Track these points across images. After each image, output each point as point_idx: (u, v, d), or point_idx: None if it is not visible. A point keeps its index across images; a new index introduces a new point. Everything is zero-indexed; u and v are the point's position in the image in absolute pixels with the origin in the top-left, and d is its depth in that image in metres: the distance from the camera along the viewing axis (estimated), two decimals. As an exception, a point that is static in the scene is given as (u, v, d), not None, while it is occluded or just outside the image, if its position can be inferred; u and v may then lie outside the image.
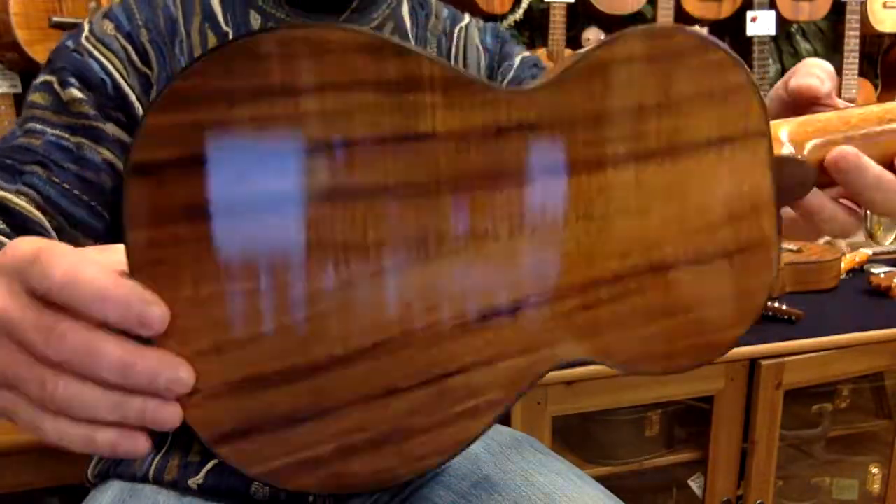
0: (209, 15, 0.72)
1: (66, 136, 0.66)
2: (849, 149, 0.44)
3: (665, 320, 0.44)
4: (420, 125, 0.38)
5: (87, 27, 0.70)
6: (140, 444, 0.36)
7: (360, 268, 0.38)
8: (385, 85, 0.37)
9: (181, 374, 0.35)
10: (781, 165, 0.44)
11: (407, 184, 0.38)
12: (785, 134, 0.45)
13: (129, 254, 0.35)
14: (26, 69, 1.40)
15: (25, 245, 0.36)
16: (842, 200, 0.47)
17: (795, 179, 0.45)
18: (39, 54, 1.33)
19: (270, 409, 0.38)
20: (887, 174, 0.44)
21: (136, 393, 0.35)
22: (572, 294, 0.42)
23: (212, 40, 0.71)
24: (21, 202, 0.63)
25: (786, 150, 0.45)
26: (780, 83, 0.50)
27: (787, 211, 0.48)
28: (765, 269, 0.44)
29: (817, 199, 0.46)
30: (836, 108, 0.48)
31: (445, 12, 0.81)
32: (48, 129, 0.66)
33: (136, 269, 0.35)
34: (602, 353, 0.43)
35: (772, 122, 0.45)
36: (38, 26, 1.33)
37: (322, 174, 0.37)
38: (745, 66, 0.42)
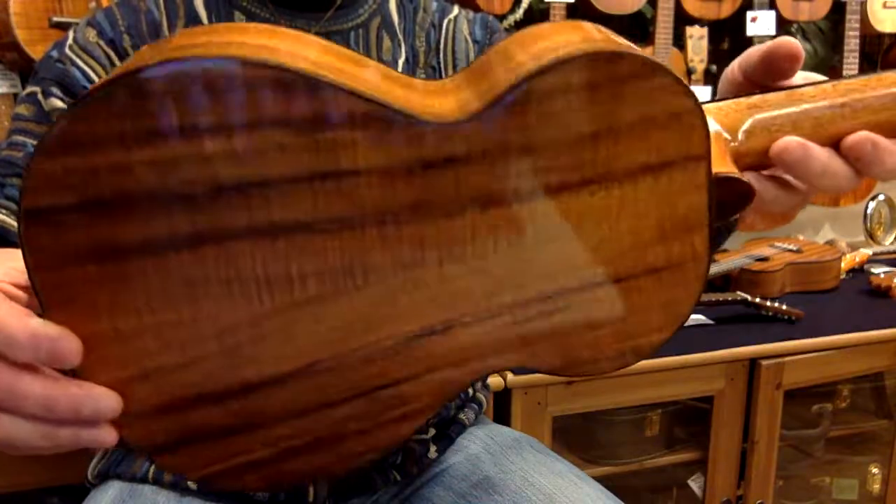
0: (193, 17, 0.71)
1: None
2: (793, 140, 0.42)
3: (592, 332, 0.43)
4: (342, 163, 0.36)
5: (71, 36, 0.70)
6: (104, 437, 0.37)
7: (285, 298, 0.38)
8: (298, 123, 0.34)
9: (102, 404, 0.36)
10: (720, 184, 0.42)
11: (330, 219, 0.37)
12: (714, 124, 0.44)
13: (39, 295, 0.35)
14: (26, 69, 1.40)
15: None
16: (785, 177, 0.45)
17: (734, 196, 0.43)
18: (39, 54, 1.33)
19: (203, 425, 0.39)
20: (834, 162, 0.42)
21: (67, 423, 0.36)
22: (503, 312, 0.41)
23: None
24: (1, 216, 0.64)
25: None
26: (733, 66, 0.47)
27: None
28: (694, 282, 0.43)
29: (759, 184, 0.44)
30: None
31: (434, 4, 0.80)
32: (29, 141, 0.68)
33: (48, 309, 0.35)
34: (529, 361, 0.43)
35: (704, 106, 0.42)
36: (38, 26, 1.33)
37: (237, 213, 0.36)
38: (691, 91, 0.39)
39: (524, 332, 0.42)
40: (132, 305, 0.36)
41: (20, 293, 0.38)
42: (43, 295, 0.35)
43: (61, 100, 0.68)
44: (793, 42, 0.44)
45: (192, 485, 0.71)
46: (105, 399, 0.36)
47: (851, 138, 0.43)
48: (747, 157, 0.44)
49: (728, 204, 0.43)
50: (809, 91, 0.44)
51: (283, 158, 0.35)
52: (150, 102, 0.33)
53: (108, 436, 0.37)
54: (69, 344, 0.35)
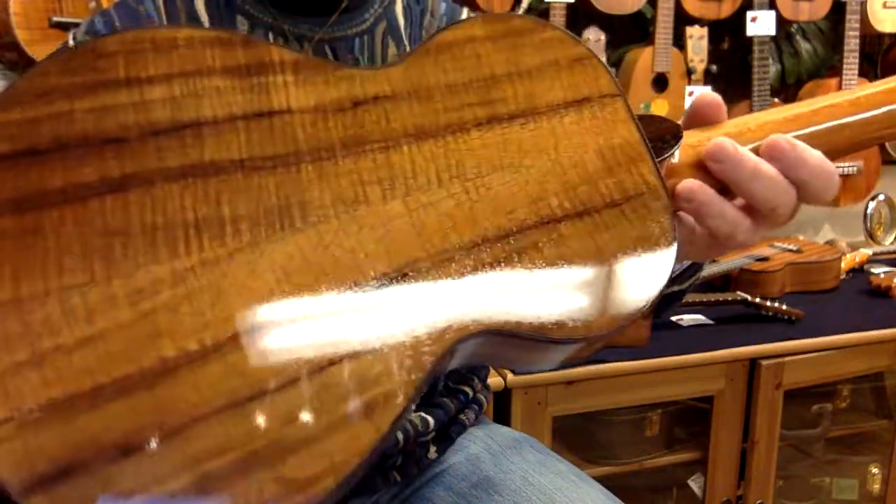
0: (195, 21, 0.71)
1: None
2: (726, 139, 0.44)
3: (570, 276, 0.40)
4: (273, 102, 0.39)
5: (70, 41, 0.70)
6: None
7: (215, 246, 0.35)
8: (233, 70, 0.38)
9: None
10: (645, 121, 0.46)
11: (264, 157, 0.38)
12: None
13: None
14: (26, 69, 1.40)
15: None
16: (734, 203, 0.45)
17: (663, 132, 0.46)
18: (39, 54, 1.33)
19: (102, 434, 0.30)
20: (764, 165, 0.44)
21: None
22: (461, 255, 0.38)
23: None
24: None
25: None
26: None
27: (687, 219, 0.46)
28: (661, 215, 0.43)
29: (703, 192, 0.44)
30: None
31: (443, 7, 0.80)
32: None
33: None
34: (510, 318, 0.38)
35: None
36: (38, 26, 1.33)
37: (169, 154, 0.36)
38: (583, 42, 0.47)
39: (491, 280, 0.38)
40: (41, 264, 0.32)
41: None
42: None
43: None
44: (709, 93, 0.48)
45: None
46: None
47: (769, 139, 0.44)
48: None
49: (663, 142, 0.46)
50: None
51: (218, 100, 0.37)
52: (103, 59, 0.36)
53: None
54: None
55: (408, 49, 0.75)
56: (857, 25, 1.80)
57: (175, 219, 0.35)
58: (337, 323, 0.34)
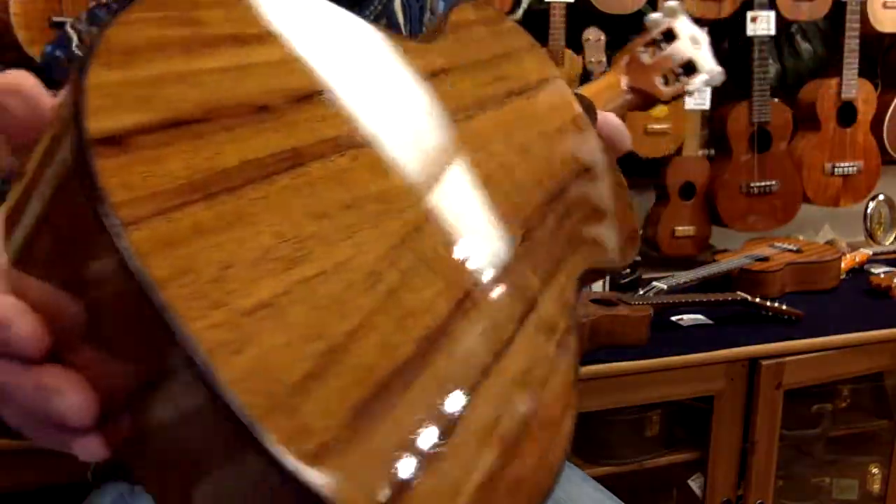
0: None
1: None
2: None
3: (608, 218, 0.51)
4: (397, 67, 0.40)
5: (74, 36, 0.70)
6: (88, 449, 0.26)
7: (405, 219, 0.32)
8: (349, 32, 0.38)
9: (59, 404, 0.25)
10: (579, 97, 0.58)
11: (406, 127, 0.38)
12: None
13: (144, 273, 0.23)
14: (26, 70, 1.40)
15: None
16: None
17: (584, 105, 0.58)
18: (39, 54, 1.33)
19: (405, 435, 0.26)
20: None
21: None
22: (548, 210, 0.45)
23: None
24: None
25: None
26: None
27: None
28: (615, 167, 0.57)
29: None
30: None
31: (441, 5, 0.80)
32: None
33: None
34: (586, 259, 0.46)
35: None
36: (38, 26, 1.33)
37: (318, 124, 0.32)
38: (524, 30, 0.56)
39: (574, 227, 0.46)
40: (260, 262, 0.26)
41: None
42: (153, 268, 0.23)
43: None
44: None
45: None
46: (65, 397, 0.25)
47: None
48: None
49: (588, 112, 0.58)
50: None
51: (360, 66, 0.37)
52: (201, 10, 0.30)
53: (87, 449, 0.26)
54: (26, 325, 0.25)
55: None
56: (857, 25, 1.80)
57: (360, 194, 0.31)
58: (512, 280, 0.37)
